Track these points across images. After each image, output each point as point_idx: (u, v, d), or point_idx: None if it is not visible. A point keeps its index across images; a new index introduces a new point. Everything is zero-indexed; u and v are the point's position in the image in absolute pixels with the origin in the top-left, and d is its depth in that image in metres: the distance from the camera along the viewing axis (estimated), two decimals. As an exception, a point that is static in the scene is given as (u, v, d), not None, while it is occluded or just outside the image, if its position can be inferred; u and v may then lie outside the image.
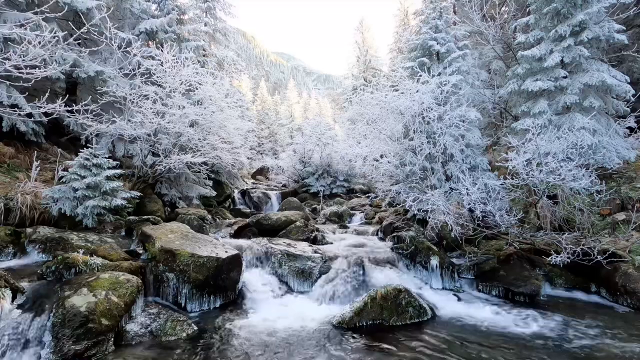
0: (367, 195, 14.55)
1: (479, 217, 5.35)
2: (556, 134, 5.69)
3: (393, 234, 6.83)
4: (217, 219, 9.02)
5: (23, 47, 4.75)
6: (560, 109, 6.98)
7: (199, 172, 9.92)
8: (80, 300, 3.34)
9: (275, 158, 23.02)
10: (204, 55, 13.29)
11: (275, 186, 18.31)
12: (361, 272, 5.20)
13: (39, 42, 4.85)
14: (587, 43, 6.78)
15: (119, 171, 6.25)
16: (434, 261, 5.42)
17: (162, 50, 8.51)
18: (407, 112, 7.22)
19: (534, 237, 5.57)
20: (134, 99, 7.78)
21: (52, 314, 3.23)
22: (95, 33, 7.47)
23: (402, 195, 7.15)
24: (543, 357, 3.30)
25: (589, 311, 4.39)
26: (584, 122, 6.49)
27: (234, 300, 4.55)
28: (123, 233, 6.18)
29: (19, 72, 4.82)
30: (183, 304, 4.22)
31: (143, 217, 6.75)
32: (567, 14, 6.94)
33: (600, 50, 7.43)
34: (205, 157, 8.78)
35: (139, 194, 7.10)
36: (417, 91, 7.24)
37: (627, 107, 7.14)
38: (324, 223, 10.05)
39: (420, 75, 7.63)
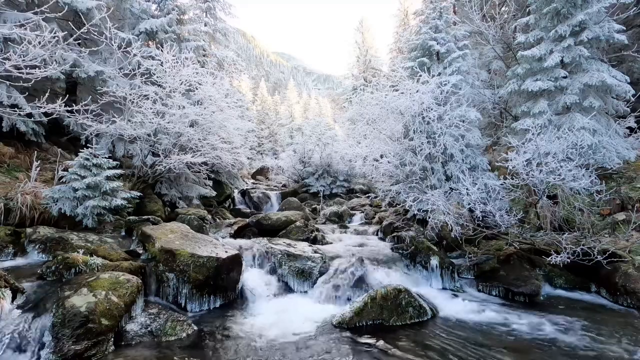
0: (367, 195, 14.56)
1: (479, 217, 5.35)
2: (556, 134, 5.69)
3: (393, 234, 6.84)
4: (217, 219, 9.02)
5: (23, 47, 4.75)
6: (560, 109, 6.99)
7: (199, 172, 9.91)
8: (80, 300, 3.34)
9: (275, 158, 23.02)
10: (204, 55, 13.27)
11: (275, 186, 18.29)
12: (361, 272, 5.20)
13: (39, 42, 4.85)
14: (587, 43, 6.78)
15: (119, 171, 6.25)
16: (434, 261, 5.42)
17: (162, 50, 8.51)
18: (407, 112, 7.22)
19: (534, 237, 5.57)
20: (134, 99, 7.77)
21: (52, 314, 3.22)
22: (95, 33, 7.44)
23: (402, 195, 7.16)
24: (543, 357, 3.30)
25: (588, 311, 4.39)
26: (584, 122, 6.49)
27: (234, 301, 4.55)
28: (123, 233, 6.17)
29: (19, 72, 4.82)
30: (183, 304, 4.22)
31: (143, 217, 6.74)
32: (567, 14, 6.94)
33: (600, 50, 7.43)
34: (205, 157, 8.77)
35: (139, 194, 7.10)
36: (417, 91, 7.23)
37: (627, 107, 7.14)
38: (324, 223, 10.04)
39: (420, 75, 7.62)
